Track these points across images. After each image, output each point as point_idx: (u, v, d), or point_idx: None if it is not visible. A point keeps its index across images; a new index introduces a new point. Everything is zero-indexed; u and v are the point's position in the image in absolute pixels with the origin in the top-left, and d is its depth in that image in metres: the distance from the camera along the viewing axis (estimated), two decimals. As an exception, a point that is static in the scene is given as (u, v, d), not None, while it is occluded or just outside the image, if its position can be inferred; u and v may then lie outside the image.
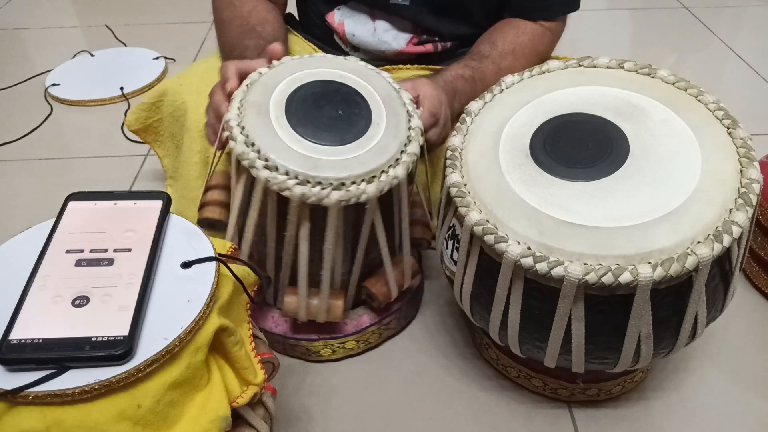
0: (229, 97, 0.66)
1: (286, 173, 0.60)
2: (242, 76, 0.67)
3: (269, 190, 0.62)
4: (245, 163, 0.60)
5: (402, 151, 0.64)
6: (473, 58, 0.82)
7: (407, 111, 0.67)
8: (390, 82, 0.70)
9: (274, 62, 0.68)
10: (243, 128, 0.61)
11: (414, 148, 0.65)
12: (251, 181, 0.63)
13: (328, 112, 0.64)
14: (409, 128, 0.66)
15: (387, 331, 0.81)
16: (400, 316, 0.82)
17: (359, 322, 0.77)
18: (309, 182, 0.60)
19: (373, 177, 0.62)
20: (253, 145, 0.60)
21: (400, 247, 0.74)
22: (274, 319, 0.78)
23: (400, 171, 0.63)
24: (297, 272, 0.68)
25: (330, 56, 0.71)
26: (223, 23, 0.84)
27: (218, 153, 0.68)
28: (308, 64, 0.68)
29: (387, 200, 0.66)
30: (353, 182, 0.61)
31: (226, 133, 0.62)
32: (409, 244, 0.72)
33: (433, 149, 0.74)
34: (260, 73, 0.66)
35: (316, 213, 0.63)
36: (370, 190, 0.61)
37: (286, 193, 0.60)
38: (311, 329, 0.77)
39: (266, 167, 0.60)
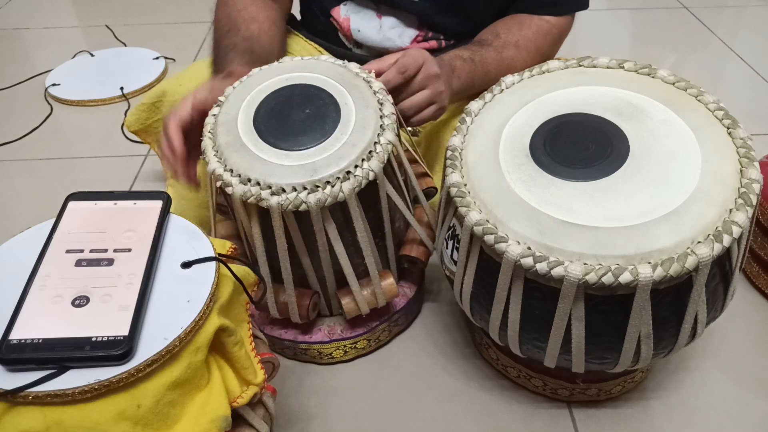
0: (182, 131, 0.66)
1: (294, 189, 0.60)
2: (199, 111, 0.67)
3: (286, 213, 0.62)
4: (252, 200, 0.60)
5: (381, 117, 0.65)
6: (474, 44, 0.82)
7: (363, 78, 0.68)
8: (335, 61, 0.70)
9: (221, 98, 0.68)
10: (231, 171, 0.61)
11: (388, 108, 0.66)
12: (264, 214, 0.63)
13: (296, 116, 0.65)
14: (374, 93, 0.67)
15: (396, 327, 0.82)
16: (407, 312, 0.82)
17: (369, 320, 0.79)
18: (319, 186, 0.60)
19: (370, 152, 0.62)
20: (249, 180, 0.60)
21: (415, 200, 0.76)
22: (282, 325, 0.78)
23: (390, 136, 0.64)
24: (343, 271, 0.69)
25: (273, 64, 0.71)
26: (215, 21, 0.85)
27: (213, 206, 0.68)
28: (253, 82, 0.68)
29: (388, 168, 0.67)
30: (356, 166, 0.61)
31: (219, 183, 0.62)
32: (423, 195, 0.75)
33: (413, 120, 0.73)
34: (214, 115, 0.66)
35: (336, 211, 0.64)
36: (374, 165, 0.62)
37: (303, 208, 0.60)
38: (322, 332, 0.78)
39: (273, 193, 0.60)
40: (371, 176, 0.62)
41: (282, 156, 0.62)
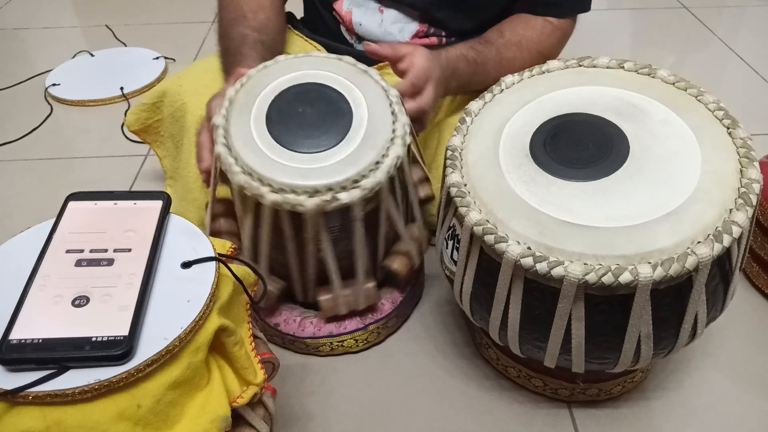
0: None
1: (294, 191, 0.61)
2: None
3: (282, 212, 0.62)
4: (248, 192, 0.61)
5: (393, 130, 0.65)
6: (479, 42, 0.82)
7: (382, 87, 0.68)
8: (353, 63, 0.70)
9: (242, 79, 0.68)
10: (236, 159, 0.62)
11: (401, 120, 0.66)
12: (259, 208, 0.64)
13: (308, 116, 0.65)
14: (390, 103, 0.67)
15: (386, 329, 0.82)
16: (397, 315, 0.82)
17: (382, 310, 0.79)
18: (319, 192, 0.61)
19: (377, 163, 0.63)
20: (251, 175, 0.61)
21: (411, 217, 0.76)
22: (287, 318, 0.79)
23: (398, 150, 0.64)
24: (328, 271, 0.70)
25: (291, 57, 0.70)
26: (219, 9, 0.85)
27: (213, 184, 0.69)
28: (271, 75, 0.68)
29: (393, 179, 0.67)
30: (363, 176, 0.62)
31: (220, 165, 0.63)
32: (419, 210, 0.75)
33: (417, 128, 0.74)
34: (236, 89, 0.66)
35: (334, 215, 0.64)
36: (380, 176, 0.63)
37: (300, 209, 0.61)
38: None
39: (272, 191, 0.61)
40: (377, 186, 0.62)
41: (288, 156, 0.62)
